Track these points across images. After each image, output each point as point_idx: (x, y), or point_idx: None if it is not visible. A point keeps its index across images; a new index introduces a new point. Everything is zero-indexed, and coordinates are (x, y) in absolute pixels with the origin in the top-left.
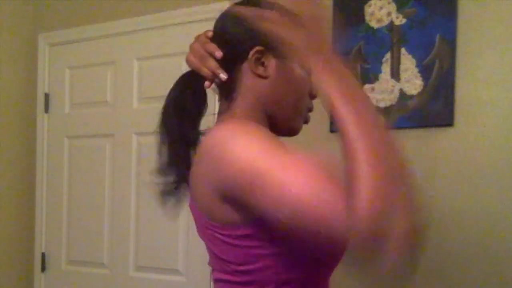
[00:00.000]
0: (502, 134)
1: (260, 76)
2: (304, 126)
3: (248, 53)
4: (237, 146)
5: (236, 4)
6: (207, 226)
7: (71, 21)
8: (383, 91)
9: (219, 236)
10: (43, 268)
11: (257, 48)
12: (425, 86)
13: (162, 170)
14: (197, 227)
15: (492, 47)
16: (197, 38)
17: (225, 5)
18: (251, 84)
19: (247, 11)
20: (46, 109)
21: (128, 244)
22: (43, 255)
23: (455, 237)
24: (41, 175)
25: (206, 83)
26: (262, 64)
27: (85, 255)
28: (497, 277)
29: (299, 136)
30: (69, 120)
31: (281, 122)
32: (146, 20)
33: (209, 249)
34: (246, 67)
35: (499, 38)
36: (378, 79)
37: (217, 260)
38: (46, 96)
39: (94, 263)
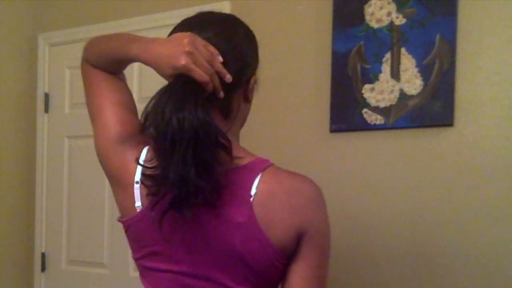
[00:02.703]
0: (502, 134)
1: (249, 100)
2: (304, 126)
3: (248, 80)
4: (326, 213)
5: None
6: (266, 249)
7: (71, 21)
8: (383, 91)
9: (276, 262)
10: (43, 268)
11: (255, 76)
12: (425, 86)
13: (189, 177)
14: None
15: (492, 47)
16: (197, 49)
17: (225, 6)
18: (243, 107)
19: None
20: (46, 109)
21: (128, 244)
22: (43, 255)
23: (455, 237)
24: (41, 175)
25: None
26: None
27: (85, 255)
28: (499, 276)
29: (300, 136)
30: (69, 120)
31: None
32: (146, 20)
33: (244, 262)
34: (240, 90)
35: (499, 38)
36: (378, 79)
37: (251, 273)
38: (46, 96)
39: (94, 263)
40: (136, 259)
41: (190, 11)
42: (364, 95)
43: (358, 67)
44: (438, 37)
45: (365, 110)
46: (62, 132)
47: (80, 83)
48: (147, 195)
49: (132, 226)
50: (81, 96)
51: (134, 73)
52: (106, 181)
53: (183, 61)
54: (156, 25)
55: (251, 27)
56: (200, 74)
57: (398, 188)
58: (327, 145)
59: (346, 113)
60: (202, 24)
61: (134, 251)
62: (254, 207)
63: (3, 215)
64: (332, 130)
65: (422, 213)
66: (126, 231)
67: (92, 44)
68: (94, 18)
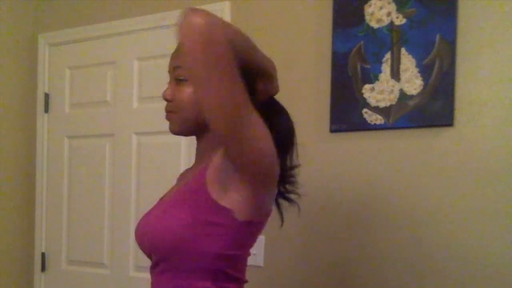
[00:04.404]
0: (502, 134)
1: None
2: (304, 126)
3: None
4: None
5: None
6: None
7: (71, 21)
8: (383, 91)
9: None
10: (43, 268)
11: None
12: (425, 86)
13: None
14: None
15: (492, 47)
16: None
17: (225, 5)
18: None
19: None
20: (46, 109)
21: (128, 244)
22: (43, 255)
23: (455, 236)
24: (41, 175)
25: None
26: None
27: (85, 255)
28: (499, 276)
29: (300, 136)
30: (69, 120)
31: None
32: (146, 20)
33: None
34: None
35: (499, 38)
36: (378, 79)
37: None
38: (46, 96)
39: (94, 263)
40: (244, 254)
41: None
42: (364, 95)
43: (358, 67)
44: (438, 37)
45: (365, 110)
46: (62, 132)
47: (80, 83)
48: (285, 192)
49: (265, 223)
50: (81, 96)
51: (134, 73)
52: (106, 181)
53: None
54: (156, 25)
55: (251, 27)
56: None
57: (398, 188)
58: (327, 145)
59: (346, 113)
60: None
61: (247, 247)
62: None
63: (3, 215)
64: (332, 130)
65: (422, 212)
66: (255, 231)
67: (244, 40)
68: (94, 18)
